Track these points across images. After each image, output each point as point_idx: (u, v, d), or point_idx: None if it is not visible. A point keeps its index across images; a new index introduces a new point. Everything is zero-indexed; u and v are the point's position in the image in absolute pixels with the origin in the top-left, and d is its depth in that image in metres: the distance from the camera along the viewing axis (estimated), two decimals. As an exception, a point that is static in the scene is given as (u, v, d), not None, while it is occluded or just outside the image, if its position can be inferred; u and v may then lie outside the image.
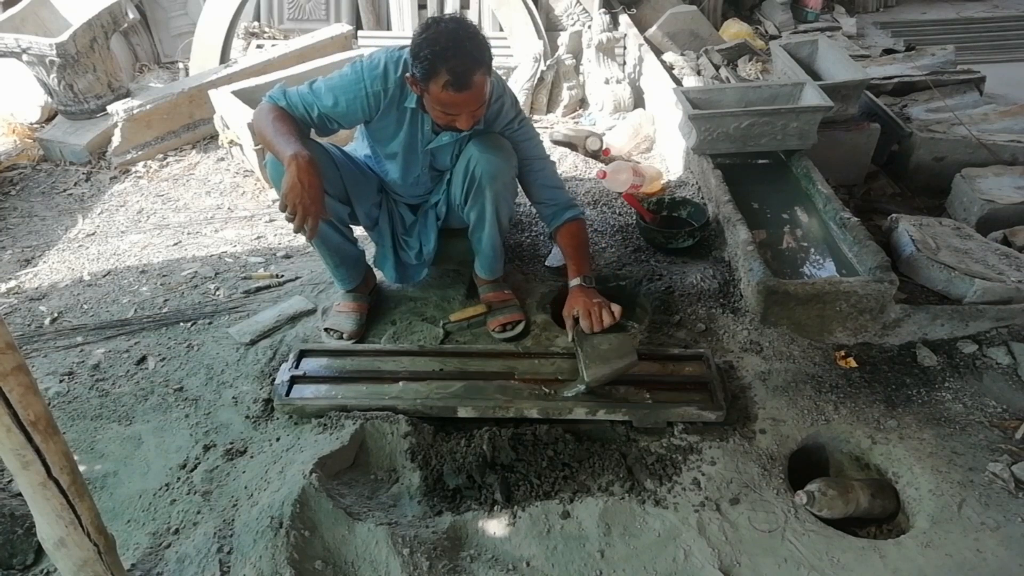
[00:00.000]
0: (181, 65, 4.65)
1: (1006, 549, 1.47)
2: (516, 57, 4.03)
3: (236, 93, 3.20)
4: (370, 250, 2.34)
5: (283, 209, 1.69)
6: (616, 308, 1.83)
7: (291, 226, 1.70)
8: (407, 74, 1.74)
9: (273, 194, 3.18)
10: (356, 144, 2.17)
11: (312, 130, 1.90)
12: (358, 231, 2.24)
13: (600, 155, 3.30)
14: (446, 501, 1.65)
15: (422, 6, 4.41)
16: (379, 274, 2.36)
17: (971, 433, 1.75)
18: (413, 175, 2.02)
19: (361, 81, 1.81)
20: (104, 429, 1.87)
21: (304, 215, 1.66)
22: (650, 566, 1.47)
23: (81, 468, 1.24)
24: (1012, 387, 1.90)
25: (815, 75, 2.91)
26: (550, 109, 3.95)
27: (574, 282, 1.95)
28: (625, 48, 3.88)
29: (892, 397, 1.87)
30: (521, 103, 3.82)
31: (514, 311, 2.14)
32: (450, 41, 1.60)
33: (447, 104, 1.68)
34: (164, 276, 2.59)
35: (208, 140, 3.75)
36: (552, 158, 2.15)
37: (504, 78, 4.21)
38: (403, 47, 1.79)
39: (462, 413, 1.81)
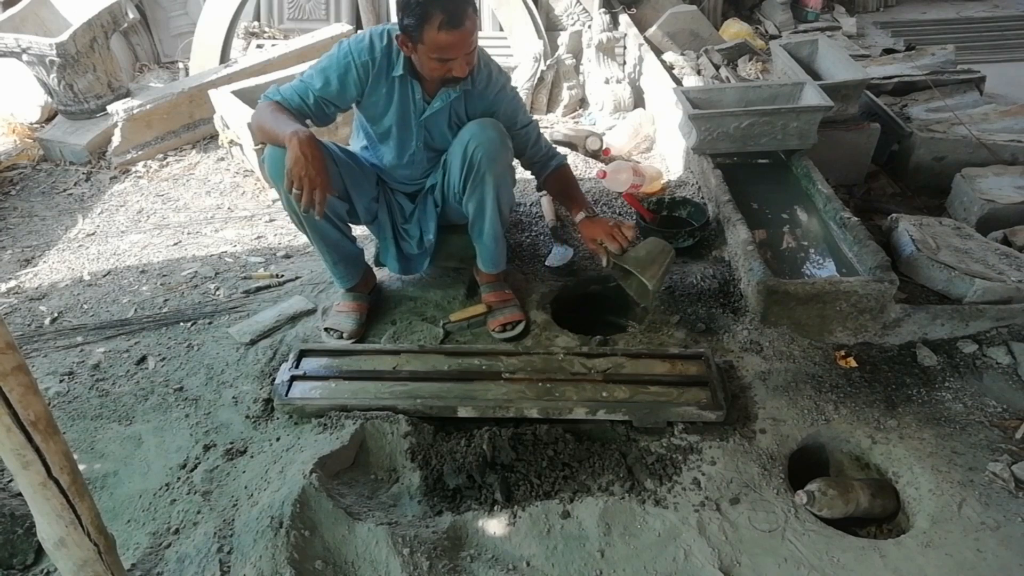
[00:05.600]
0: (181, 65, 4.65)
1: (1006, 549, 1.47)
2: (516, 57, 4.02)
3: (236, 93, 3.20)
4: (369, 250, 2.34)
5: (289, 188, 1.71)
6: (628, 224, 1.98)
7: (292, 226, 1.71)
8: (397, 35, 1.77)
9: (273, 194, 3.18)
10: (352, 142, 2.17)
11: (310, 121, 1.92)
12: (358, 231, 2.24)
13: (600, 155, 3.30)
14: (446, 501, 1.65)
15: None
16: (380, 274, 2.36)
17: (971, 433, 1.75)
18: (408, 152, 2.02)
19: (349, 55, 1.84)
20: (104, 429, 1.87)
21: (311, 187, 1.68)
22: (650, 566, 1.47)
23: (81, 468, 1.24)
24: (1012, 387, 1.90)
25: (815, 75, 2.91)
26: (550, 109, 3.95)
27: (579, 216, 2.06)
28: (625, 48, 3.88)
29: (892, 397, 1.87)
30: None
31: (514, 311, 2.14)
32: None
33: (444, 47, 1.70)
34: (164, 276, 2.59)
35: (208, 140, 3.76)
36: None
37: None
38: (386, 24, 1.86)
39: (462, 413, 1.81)
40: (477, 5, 1.75)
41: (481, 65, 1.92)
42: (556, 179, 2.18)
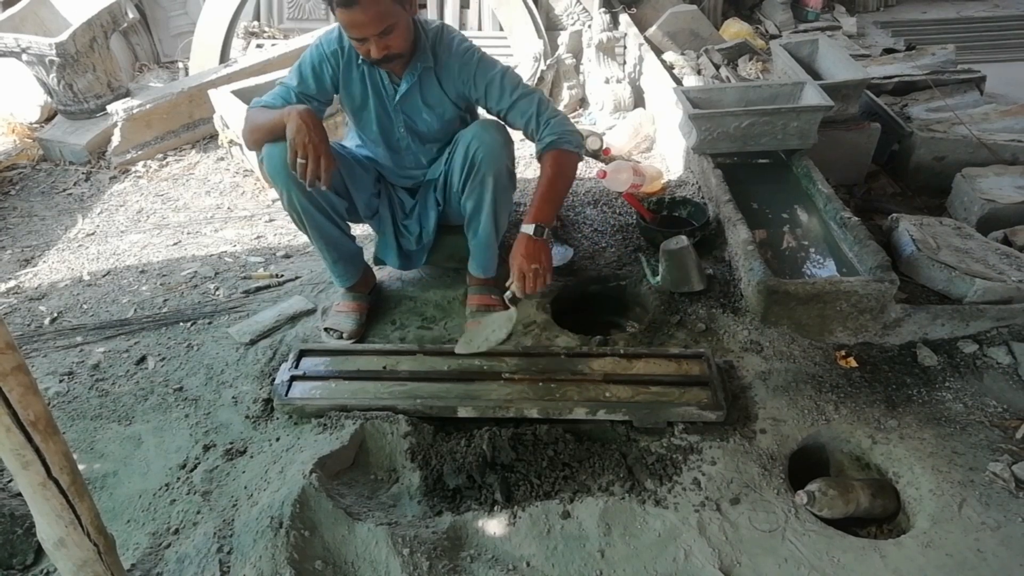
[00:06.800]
0: (181, 65, 4.64)
1: (1007, 549, 1.47)
2: (516, 56, 4.02)
3: (236, 93, 3.21)
4: (369, 249, 2.34)
5: (293, 161, 1.71)
6: (544, 277, 1.74)
7: (292, 226, 1.71)
8: None
9: (273, 194, 3.18)
10: (347, 141, 2.18)
11: None
12: (357, 230, 2.23)
13: (600, 155, 3.30)
14: (446, 501, 1.65)
15: (422, 5, 4.41)
16: (379, 274, 2.36)
17: (972, 433, 1.75)
18: (395, 138, 2.02)
19: (320, 47, 1.88)
20: (104, 429, 1.87)
21: (316, 155, 1.69)
22: (650, 566, 1.47)
23: (81, 468, 1.24)
24: (1013, 387, 1.90)
25: (815, 74, 2.90)
26: (550, 108, 3.94)
27: (524, 228, 1.77)
28: (625, 47, 3.87)
29: (892, 397, 1.87)
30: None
31: None
32: None
33: (346, 26, 1.68)
34: (164, 276, 2.59)
35: (208, 140, 3.75)
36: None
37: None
38: None
39: (462, 413, 1.80)
40: None
41: (434, 41, 1.85)
42: (544, 164, 1.85)
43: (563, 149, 1.83)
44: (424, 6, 4.43)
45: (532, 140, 1.92)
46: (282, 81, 1.92)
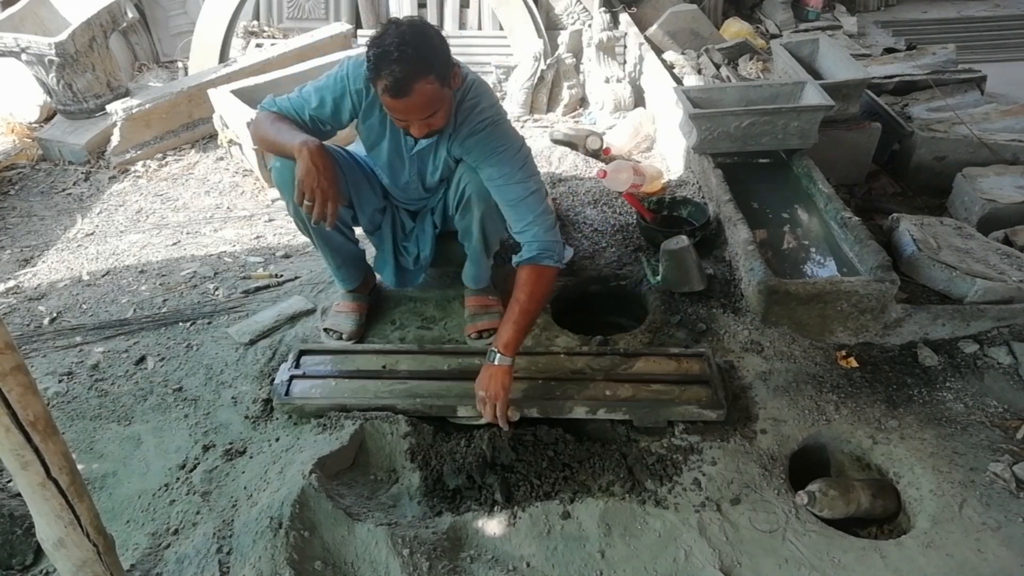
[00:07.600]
0: (180, 64, 4.64)
1: (1007, 549, 1.47)
2: (516, 56, 4.02)
3: (235, 92, 3.20)
4: (370, 251, 2.34)
5: (300, 200, 1.68)
6: (509, 411, 1.72)
7: (291, 226, 1.70)
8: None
9: (272, 193, 3.18)
10: (355, 146, 2.16)
11: None
12: (358, 231, 2.23)
13: (600, 154, 3.30)
14: (446, 501, 1.65)
15: (422, 4, 4.41)
16: (378, 274, 2.35)
17: (972, 433, 1.75)
18: (402, 180, 2.00)
19: (345, 78, 1.78)
20: (103, 429, 1.87)
21: (323, 199, 1.66)
22: (650, 566, 1.47)
23: (80, 468, 1.23)
24: (1013, 387, 1.90)
25: (816, 74, 2.90)
26: (550, 108, 3.94)
27: (492, 355, 1.74)
28: (625, 47, 3.87)
29: (893, 397, 1.86)
30: (521, 102, 3.84)
31: (493, 318, 2.10)
32: (395, 44, 1.54)
33: (391, 109, 1.64)
34: (163, 276, 2.59)
35: (207, 139, 3.75)
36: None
37: (503, 77, 4.17)
38: None
39: (462, 413, 1.80)
40: (443, 68, 1.59)
41: (459, 102, 1.76)
42: (520, 278, 1.78)
43: (543, 265, 1.79)
44: (424, 5, 4.42)
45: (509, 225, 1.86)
46: (301, 93, 1.83)
